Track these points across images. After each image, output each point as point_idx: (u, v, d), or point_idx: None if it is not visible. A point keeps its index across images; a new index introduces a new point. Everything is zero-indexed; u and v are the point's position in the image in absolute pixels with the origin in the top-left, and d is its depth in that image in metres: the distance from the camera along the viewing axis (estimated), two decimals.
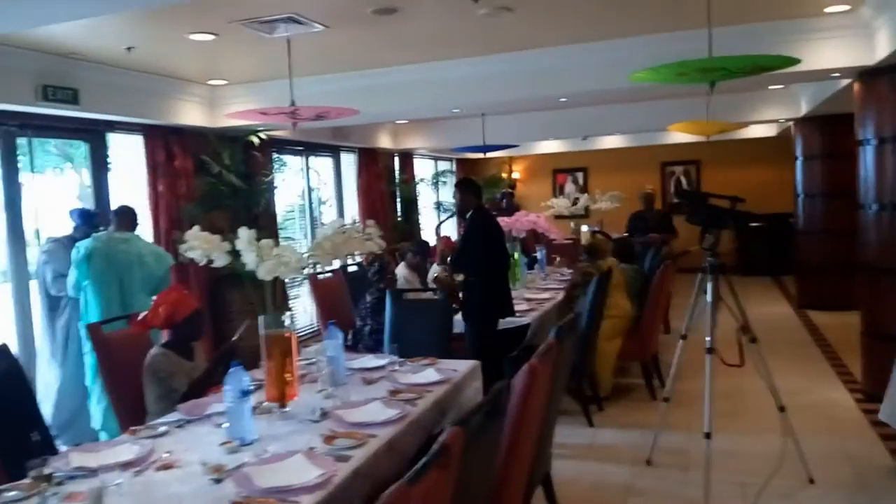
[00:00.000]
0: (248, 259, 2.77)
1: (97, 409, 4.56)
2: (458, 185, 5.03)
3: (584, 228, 8.88)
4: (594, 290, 4.64)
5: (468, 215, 4.79)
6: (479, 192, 4.86)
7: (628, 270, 5.65)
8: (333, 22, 4.22)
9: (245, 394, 2.53)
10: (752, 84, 6.86)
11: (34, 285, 4.94)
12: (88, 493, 1.96)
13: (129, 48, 4.64)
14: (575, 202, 9.39)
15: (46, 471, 2.12)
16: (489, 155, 12.14)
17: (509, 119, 9.20)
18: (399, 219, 10.48)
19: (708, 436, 3.49)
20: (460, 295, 4.65)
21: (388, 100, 5.90)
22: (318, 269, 5.18)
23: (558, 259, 7.31)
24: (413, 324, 4.30)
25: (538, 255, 7.17)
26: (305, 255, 2.57)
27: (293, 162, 8.41)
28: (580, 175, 13.27)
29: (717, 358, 3.59)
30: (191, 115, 6.20)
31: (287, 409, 2.83)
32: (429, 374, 3.28)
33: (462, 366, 3.48)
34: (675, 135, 10.12)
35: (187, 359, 3.56)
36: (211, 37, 4.45)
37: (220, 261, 2.63)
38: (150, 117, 5.79)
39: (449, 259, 4.95)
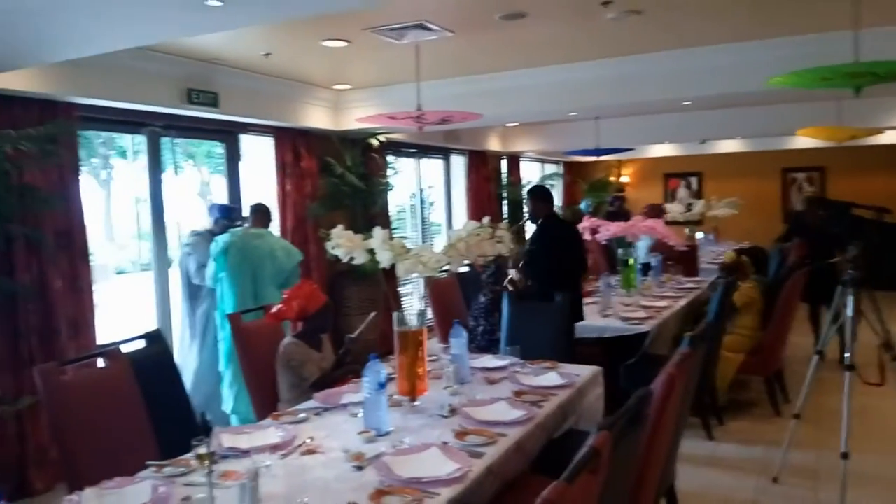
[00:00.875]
0: (383, 258, 2.88)
1: (229, 392, 4.86)
2: (531, 193, 5.13)
3: (699, 235, 8.61)
4: (719, 300, 4.51)
5: (539, 222, 4.93)
6: (550, 199, 5.02)
7: (759, 286, 5.43)
8: (460, 28, 4.32)
9: (382, 386, 2.64)
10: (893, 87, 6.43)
11: (173, 274, 5.33)
12: (245, 472, 2.10)
13: (266, 54, 4.92)
14: (689, 207, 9.11)
15: (204, 450, 2.29)
16: (596, 158, 11.99)
17: (623, 122, 9.04)
18: (505, 220, 10.52)
19: (845, 456, 3.32)
20: None
21: (508, 103, 5.95)
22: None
23: (674, 266, 7.11)
24: (530, 326, 4.31)
25: (653, 261, 7.02)
26: (441, 254, 2.64)
27: (406, 163, 8.62)
28: (694, 180, 12.84)
29: (855, 375, 3.41)
30: (316, 117, 6.48)
31: (417, 402, 2.93)
32: (551, 378, 3.30)
33: (584, 371, 3.47)
34: (797, 139, 9.63)
35: (316, 349, 3.75)
36: (343, 44, 4.65)
37: (360, 258, 2.75)
38: (280, 120, 6.10)
39: (521, 264, 4.99)
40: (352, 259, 2.82)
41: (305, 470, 2.32)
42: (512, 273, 4.88)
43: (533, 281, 4.78)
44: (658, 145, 11.67)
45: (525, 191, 5.37)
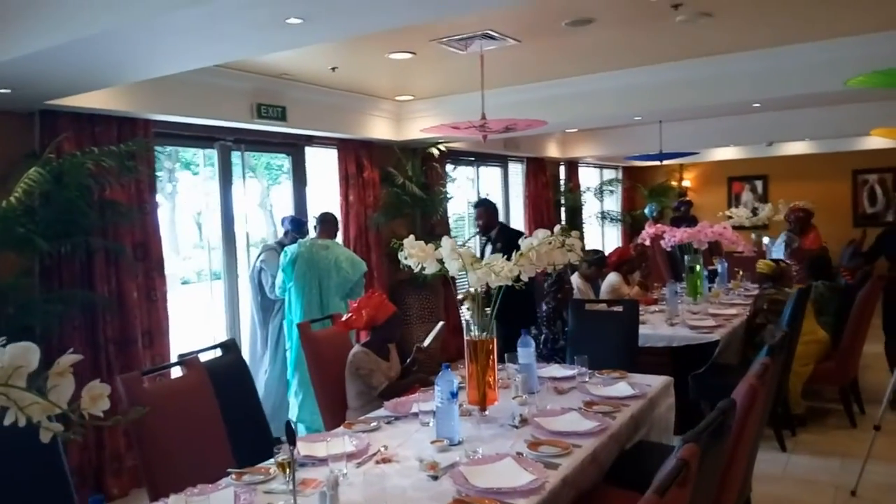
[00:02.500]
0: (452, 267, 2.89)
1: (294, 401, 4.96)
2: (483, 205, 5.34)
3: (765, 241, 8.36)
4: (792, 309, 4.37)
5: (494, 232, 5.17)
6: (496, 210, 5.39)
7: (820, 288, 5.25)
8: (526, 36, 4.32)
9: (454, 395, 2.65)
10: None
11: (242, 284, 5.47)
12: (324, 480, 2.14)
13: (333, 68, 5.01)
14: (754, 212, 8.87)
15: (282, 457, 2.33)
16: (656, 163, 11.77)
17: (688, 125, 8.85)
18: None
19: None
20: None
21: (572, 109, 5.90)
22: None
23: (741, 273, 6.93)
24: (594, 335, 4.27)
25: (719, 267, 6.86)
26: (513, 264, 2.64)
27: (463, 171, 8.65)
28: (759, 183, 12.48)
29: None
30: (379, 129, 6.57)
31: (487, 412, 2.93)
32: (622, 388, 3.25)
33: (655, 381, 3.42)
34: (868, 139, 9.26)
35: (384, 359, 3.79)
36: (408, 55, 4.70)
37: (431, 268, 2.78)
38: (344, 132, 6.21)
39: None
40: (422, 269, 2.84)
41: (381, 478, 2.34)
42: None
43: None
44: (721, 148, 11.39)
45: (475, 203, 5.49)
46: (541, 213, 9.67)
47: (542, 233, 2.75)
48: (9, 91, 3.59)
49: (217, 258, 5.54)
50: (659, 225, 6.39)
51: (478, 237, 5.52)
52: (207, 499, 2.17)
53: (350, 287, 4.98)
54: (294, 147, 6.22)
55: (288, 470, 2.22)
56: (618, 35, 4.48)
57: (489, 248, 5.17)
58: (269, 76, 5.22)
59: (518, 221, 9.66)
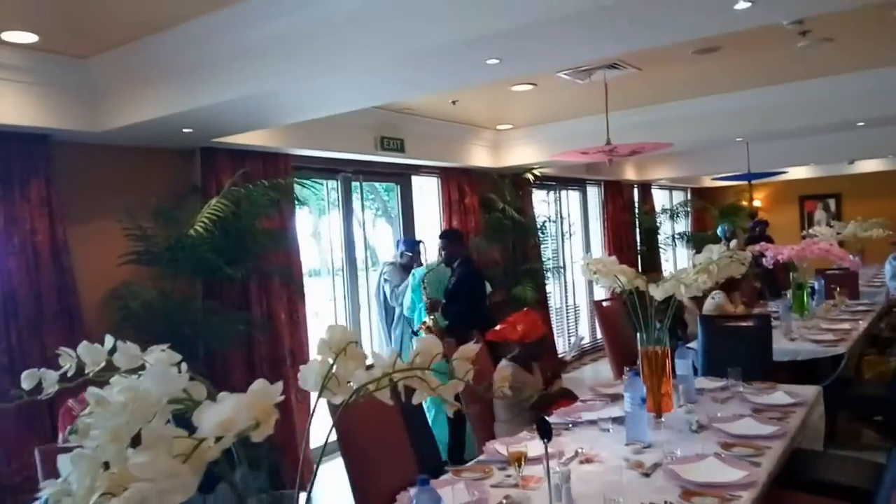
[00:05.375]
0: (622, 280, 3.09)
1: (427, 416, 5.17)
2: (449, 237, 5.40)
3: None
4: None
5: (456, 264, 5.22)
6: (464, 241, 5.48)
7: None
8: (650, 65, 4.55)
9: (643, 401, 2.85)
10: None
11: (363, 301, 5.83)
12: (560, 474, 2.34)
13: (454, 102, 5.31)
14: (831, 228, 8.86)
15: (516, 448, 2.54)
16: (725, 183, 11.83)
17: (769, 144, 8.92)
18: (641, 248, 10.55)
19: None
20: None
21: (687, 131, 6.04)
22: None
23: (839, 289, 6.96)
24: (726, 349, 4.41)
25: (815, 285, 6.91)
26: (695, 277, 2.83)
27: (539, 195, 8.85)
28: (832, 201, 12.44)
29: None
30: (479, 156, 6.86)
31: (662, 419, 3.10)
32: (781, 397, 3.40)
33: (805, 390, 3.55)
34: None
35: (529, 373, 4.00)
36: (530, 87, 4.97)
37: (607, 282, 2.98)
38: (448, 160, 6.51)
39: (440, 304, 5.15)
40: (597, 282, 3.06)
41: (595, 476, 2.54)
42: (426, 318, 5.05)
43: (452, 319, 5.03)
44: (793, 168, 11.42)
45: (440, 234, 5.54)
46: (619, 235, 9.83)
47: (717, 248, 2.94)
48: (191, 131, 3.96)
49: (339, 282, 5.85)
50: (763, 243, 6.49)
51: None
52: (451, 490, 2.38)
53: None
54: (401, 176, 6.53)
55: (519, 464, 2.44)
56: (741, 60, 4.67)
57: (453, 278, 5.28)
58: (391, 111, 5.55)
59: (597, 244, 9.83)
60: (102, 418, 1.11)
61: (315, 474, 1.35)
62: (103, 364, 1.39)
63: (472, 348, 1.44)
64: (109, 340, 1.42)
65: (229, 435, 1.05)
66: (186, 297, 4.18)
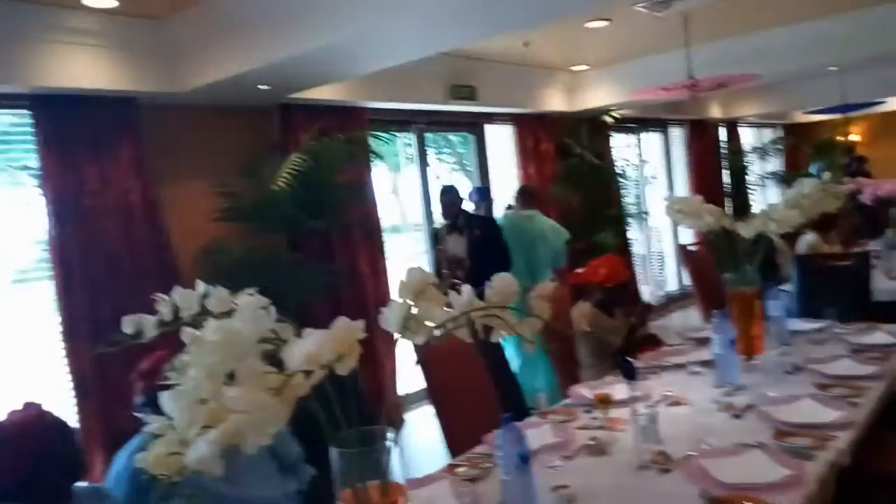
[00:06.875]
0: (708, 221, 2.97)
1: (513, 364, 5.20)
2: (452, 192, 4.95)
3: None
4: None
5: (464, 219, 4.84)
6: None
7: None
8: None
9: (732, 343, 2.76)
10: None
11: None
12: (646, 416, 2.30)
13: (525, 43, 5.17)
14: None
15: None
16: (819, 117, 11.13)
17: (864, 74, 8.29)
18: (728, 191, 10.12)
19: None
20: None
21: (766, 61, 5.67)
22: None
23: None
24: (823, 290, 4.21)
25: None
26: (784, 213, 2.69)
27: (624, 139, 8.59)
28: None
29: None
30: (554, 101, 6.69)
31: (755, 361, 3.00)
32: (881, 337, 3.23)
33: None
34: None
35: (611, 317, 3.95)
36: (605, 23, 4.78)
37: (696, 224, 2.88)
38: (522, 106, 6.39)
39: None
40: (681, 223, 2.95)
41: (684, 418, 2.50)
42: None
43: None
44: (894, 98, 10.60)
45: (442, 190, 4.98)
46: (705, 177, 9.46)
47: (809, 182, 2.78)
48: (268, 87, 4.02)
49: (419, 238, 5.89)
50: (859, 178, 6.11)
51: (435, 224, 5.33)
52: (536, 432, 2.39)
53: (555, 255, 5.16)
54: (475, 126, 6.46)
55: (604, 406, 2.43)
56: None
57: (455, 236, 4.89)
58: (461, 57, 5.46)
59: (681, 187, 9.50)
60: (198, 357, 1.16)
61: (401, 415, 1.37)
62: (197, 309, 1.45)
63: (549, 286, 1.42)
64: (201, 286, 1.48)
65: (317, 370, 1.08)
66: (273, 251, 4.32)
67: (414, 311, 1.37)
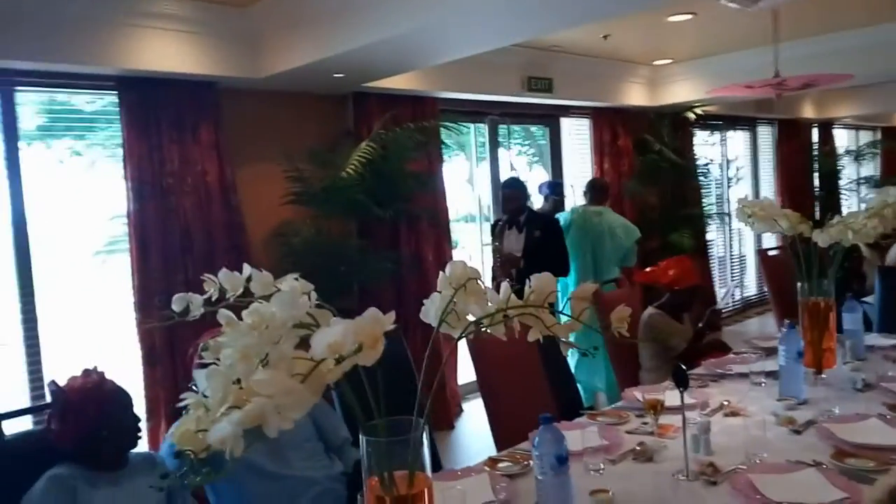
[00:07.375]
0: (783, 225, 2.84)
1: (571, 361, 5.14)
2: (516, 186, 4.66)
3: None
4: None
5: (524, 216, 4.58)
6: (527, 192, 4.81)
7: None
8: None
9: (800, 355, 2.64)
10: None
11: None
12: (699, 425, 2.24)
13: (605, 36, 5.06)
14: None
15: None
16: None
17: None
18: (818, 193, 9.63)
19: None
20: None
21: (861, 61, 5.36)
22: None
23: None
24: None
25: None
26: (864, 222, 2.55)
27: (707, 137, 8.29)
28: None
29: None
30: (634, 95, 6.53)
31: (824, 375, 2.86)
32: None
33: None
34: None
35: (679, 322, 3.83)
36: (689, 17, 4.62)
37: (764, 228, 2.76)
38: (600, 100, 6.26)
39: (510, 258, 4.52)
40: (751, 227, 2.84)
41: (739, 429, 2.40)
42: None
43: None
44: None
45: (504, 184, 4.74)
46: (793, 180, 9.03)
47: (894, 189, 2.62)
48: (342, 75, 4.09)
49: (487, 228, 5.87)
50: None
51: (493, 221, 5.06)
52: (580, 433, 2.36)
53: (623, 253, 5.05)
54: (551, 118, 6.38)
55: (654, 411, 2.37)
56: None
57: (514, 233, 4.58)
58: (539, 49, 5.39)
59: (768, 188, 9.11)
60: (232, 338, 1.20)
61: (428, 405, 1.37)
62: (241, 290, 1.49)
63: (589, 287, 1.39)
64: (247, 269, 1.52)
65: (336, 357, 1.10)
66: (342, 235, 4.41)
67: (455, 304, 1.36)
